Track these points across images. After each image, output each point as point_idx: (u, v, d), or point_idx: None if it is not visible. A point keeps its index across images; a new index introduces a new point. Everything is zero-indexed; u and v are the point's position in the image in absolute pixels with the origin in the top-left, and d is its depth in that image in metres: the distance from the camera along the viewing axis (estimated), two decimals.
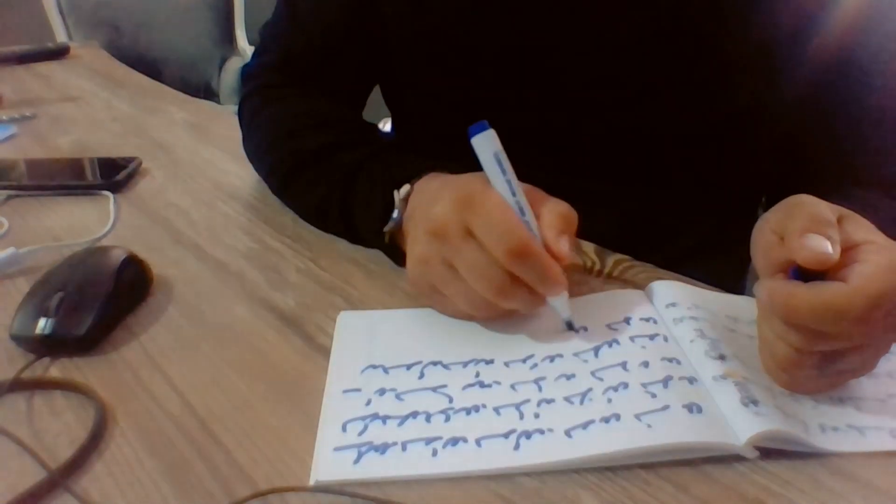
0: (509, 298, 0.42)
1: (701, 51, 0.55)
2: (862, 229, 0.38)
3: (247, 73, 0.73)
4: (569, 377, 0.41)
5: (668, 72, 0.57)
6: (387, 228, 0.52)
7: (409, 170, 0.52)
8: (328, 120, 0.64)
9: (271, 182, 0.66)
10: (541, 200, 0.44)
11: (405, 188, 0.51)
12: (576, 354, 0.43)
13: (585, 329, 0.45)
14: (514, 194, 0.43)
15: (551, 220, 0.43)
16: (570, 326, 0.45)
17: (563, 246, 0.42)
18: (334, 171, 0.58)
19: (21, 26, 2.00)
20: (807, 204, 0.39)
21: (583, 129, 0.61)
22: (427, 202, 0.45)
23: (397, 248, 0.52)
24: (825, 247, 0.36)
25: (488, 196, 0.42)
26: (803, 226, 0.37)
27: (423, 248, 0.44)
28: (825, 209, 0.38)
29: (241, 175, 0.72)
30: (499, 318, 0.45)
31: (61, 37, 1.99)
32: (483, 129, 0.43)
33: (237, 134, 0.72)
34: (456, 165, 0.48)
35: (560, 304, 0.44)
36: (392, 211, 0.51)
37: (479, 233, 0.41)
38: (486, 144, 0.43)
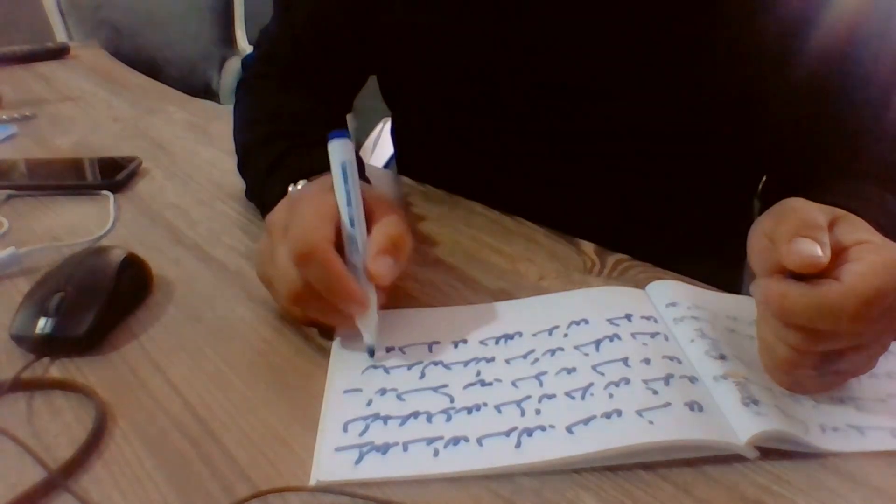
0: (304, 305, 0.42)
1: (695, 42, 0.55)
2: (858, 230, 0.38)
3: (243, 64, 0.75)
4: (570, 371, 0.41)
5: (661, 62, 0.57)
6: None
7: (315, 165, 0.53)
8: (278, 112, 0.66)
9: None
10: (380, 217, 0.44)
11: (301, 183, 0.52)
12: (577, 348, 0.43)
13: (586, 322, 0.45)
14: (349, 204, 0.42)
15: (377, 238, 0.43)
16: (370, 353, 0.43)
17: (379, 265, 0.42)
18: (262, 161, 0.59)
19: (21, 26, 2.00)
20: (797, 208, 0.38)
21: (577, 120, 0.61)
22: None
23: None
24: (814, 250, 0.35)
25: (314, 199, 0.42)
26: (792, 230, 0.36)
27: (262, 240, 0.46)
28: (815, 212, 0.38)
29: None
30: (312, 325, 0.46)
31: (61, 37, 1.99)
32: (340, 136, 0.43)
33: None
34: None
35: (365, 325, 0.42)
36: None
37: (289, 232, 0.42)
38: (337, 152, 0.43)
